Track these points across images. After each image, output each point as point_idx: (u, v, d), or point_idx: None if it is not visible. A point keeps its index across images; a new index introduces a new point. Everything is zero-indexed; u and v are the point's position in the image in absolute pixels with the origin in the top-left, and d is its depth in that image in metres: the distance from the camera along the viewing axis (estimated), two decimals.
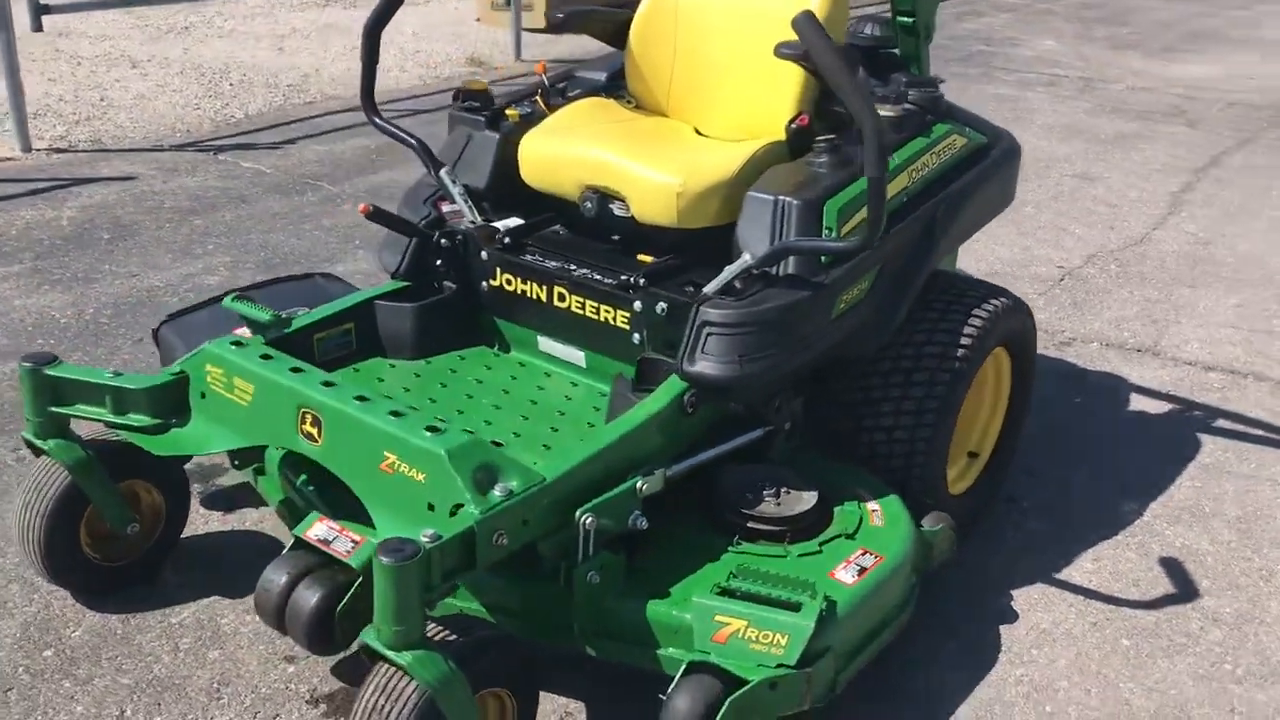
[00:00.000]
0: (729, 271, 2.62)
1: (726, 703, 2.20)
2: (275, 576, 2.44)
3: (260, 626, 2.75)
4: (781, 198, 2.65)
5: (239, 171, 5.99)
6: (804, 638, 2.26)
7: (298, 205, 5.54)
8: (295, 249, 5.02)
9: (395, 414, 2.34)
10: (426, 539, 2.07)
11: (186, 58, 8.39)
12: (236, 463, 2.91)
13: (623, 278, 2.79)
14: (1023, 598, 3.00)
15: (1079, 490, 3.49)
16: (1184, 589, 3.07)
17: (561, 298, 2.88)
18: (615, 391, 2.68)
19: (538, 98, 3.24)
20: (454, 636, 2.17)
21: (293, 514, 2.73)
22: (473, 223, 3.04)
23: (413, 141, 3.13)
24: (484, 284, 3.01)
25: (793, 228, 2.64)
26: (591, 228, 3.00)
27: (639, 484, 2.40)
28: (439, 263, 3.05)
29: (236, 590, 2.87)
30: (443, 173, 3.09)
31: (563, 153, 2.95)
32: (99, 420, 2.68)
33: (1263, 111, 8.31)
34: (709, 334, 2.56)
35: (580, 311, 2.85)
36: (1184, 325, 4.69)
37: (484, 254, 2.99)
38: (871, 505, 2.73)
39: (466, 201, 3.07)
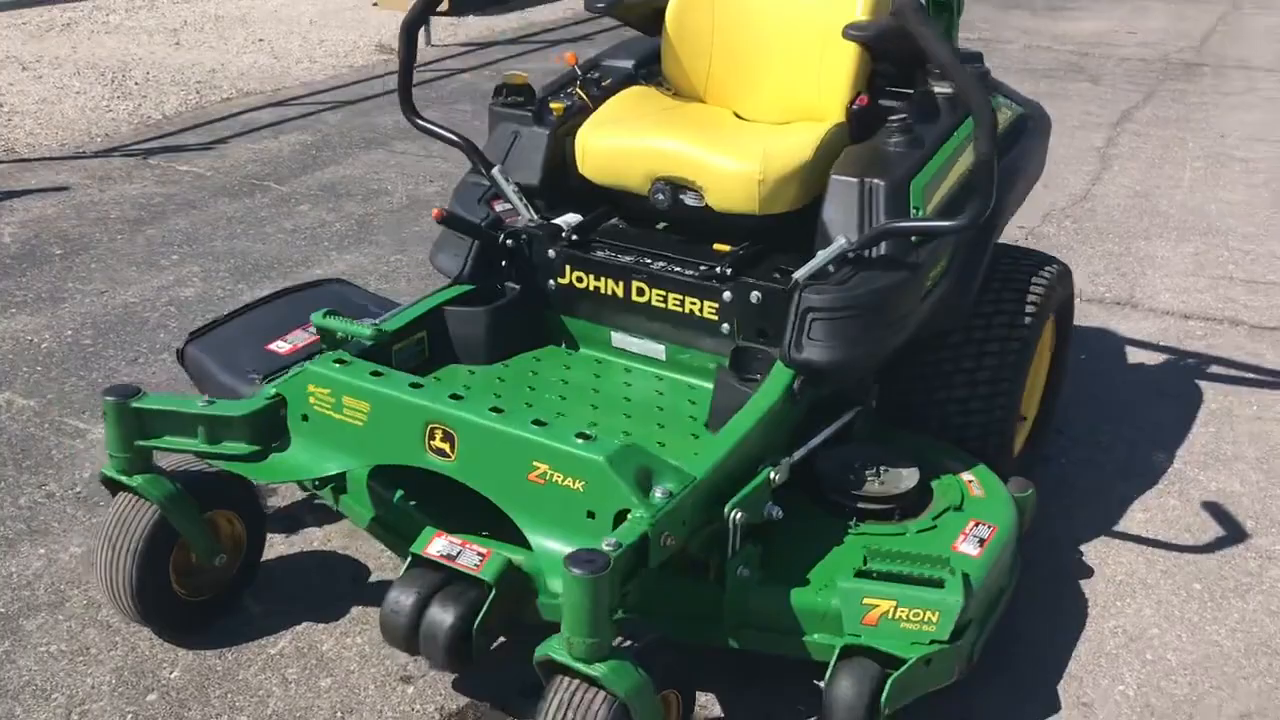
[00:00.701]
0: (823, 256, 2.64)
1: (890, 682, 2.24)
2: (403, 598, 2.39)
3: (366, 648, 2.68)
4: (868, 179, 2.68)
5: (176, 175, 5.74)
6: (954, 613, 2.32)
7: (251, 208, 5.34)
8: (264, 254, 4.85)
9: (539, 423, 2.30)
10: (609, 548, 2.05)
11: (78, 56, 7.98)
12: (315, 484, 2.82)
13: (710, 268, 2.79)
14: (1091, 552, 3.11)
15: (1108, 444, 3.62)
16: (1232, 530, 3.23)
17: (640, 292, 2.85)
18: (720, 384, 2.67)
19: (576, 89, 3.20)
20: (628, 642, 2.15)
21: (389, 531, 2.66)
22: (531, 221, 2.99)
23: (459, 141, 3.06)
24: (551, 283, 2.97)
25: (881, 209, 2.67)
26: (653, 219, 2.98)
27: (771, 475, 2.41)
28: (503, 264, 2.99)
29: (327, 613, 2.79)
30: (495, 172, 3.03)
31: (629, 145, 2.92)
32: (191, 451, 2.57)
33: (1153, 65, 8.68)
34: (814, 320, 2.58)
35: (662, 305, 2.84)
36: (1151, 276, 4.89)
37: (551, 252, 2.94)
38: (966, 476, 2.79)
39: (521, 199, 3.02)
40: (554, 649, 2.07)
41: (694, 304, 2.79)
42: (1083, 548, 3.12)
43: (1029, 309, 3.01)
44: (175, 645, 2.68)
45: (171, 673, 2.61)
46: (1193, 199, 5.83)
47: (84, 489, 3.23)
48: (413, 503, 2.65)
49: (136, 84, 7.34)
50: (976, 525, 2.61)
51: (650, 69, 3.33)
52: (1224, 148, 6.68)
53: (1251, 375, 4.07)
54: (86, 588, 2.84)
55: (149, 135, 6.37)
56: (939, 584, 2.37)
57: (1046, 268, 3.13)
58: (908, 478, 2.71)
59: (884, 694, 2.25)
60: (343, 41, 8.69)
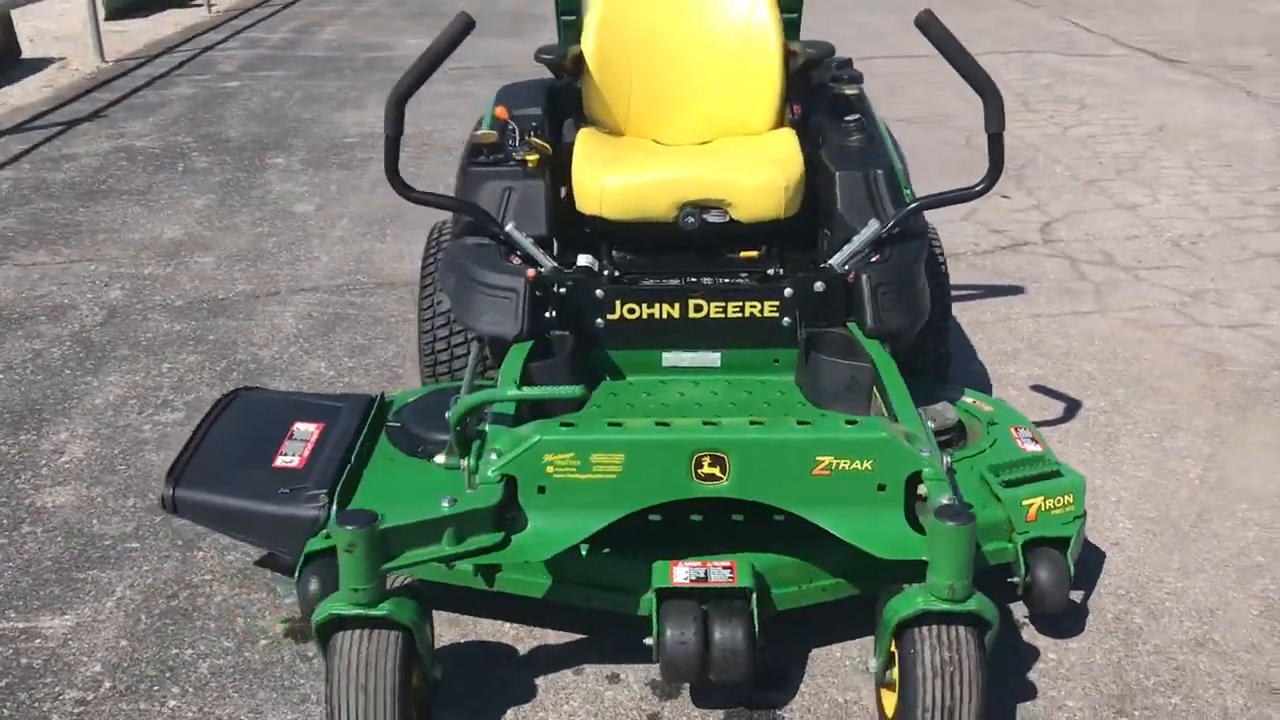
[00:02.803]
0: (862, 240, 3.08)
1: (1068, 557, 2.80)
2: (684, 633, 2.52)
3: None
4: (870, 170, 3.16)
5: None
6: (1083, 489, 2.92)
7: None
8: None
9: (803, 423, 2.53)
10: (947, 500, 2.38)
11: None
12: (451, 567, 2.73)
13: (764, 272, 3.10)
14: None
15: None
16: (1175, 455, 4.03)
17: (698, 308, 3.09)
18: (822, 365, 2.99)
19: (531, 139, 3.30)
20: None
21: (583, 586, 2.70)
22: (551, 269, 3.09)
23: (464, 205, 3.08)
24: (599, 321, 3.09)
25: (884, 194, 3.16)
26: (669, 240, 3.20)
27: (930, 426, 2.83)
28: (551, 314, 3.06)
29: (521, 698, 2.74)
30: (510, 228, 3.09)
31: (652, 179, 3.14)
32: (435, 559, 2.43)
33: None
34: (884, 292, 3.02)
35: (721, 315, 3.09)
36: None
37: (599, 292, 3.07)
38: (967, 398, 3.38)
39: (539, 250, 3.11)
40: (919, 600, 2.36)
41: (754, 306, 3.09)
42: None
43: (939, 254, 3.67)
44: None
45: None
46: None
47: None
48: (606, 550, 2.71)
49: None
50: (1017, 430, 3.21)
51: (561, 109, 3.52)
52: None
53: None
54: None
55: None
56: (1058, 474, 2.95)
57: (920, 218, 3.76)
58: (945, 410, 3.24)
59: (1070, 567, 2.80)
60: None
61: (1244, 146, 7.24)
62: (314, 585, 2.74)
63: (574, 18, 3.71)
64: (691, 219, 3.13)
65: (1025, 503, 2.86)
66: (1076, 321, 4.77)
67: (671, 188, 3.13)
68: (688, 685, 2.73)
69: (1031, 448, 3.12)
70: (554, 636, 2.93)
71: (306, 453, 3.09)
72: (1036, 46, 10.31)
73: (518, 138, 3.30)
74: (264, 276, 5.24)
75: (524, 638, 2.93)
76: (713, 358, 3.17)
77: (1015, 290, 5.09)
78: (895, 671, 2.50)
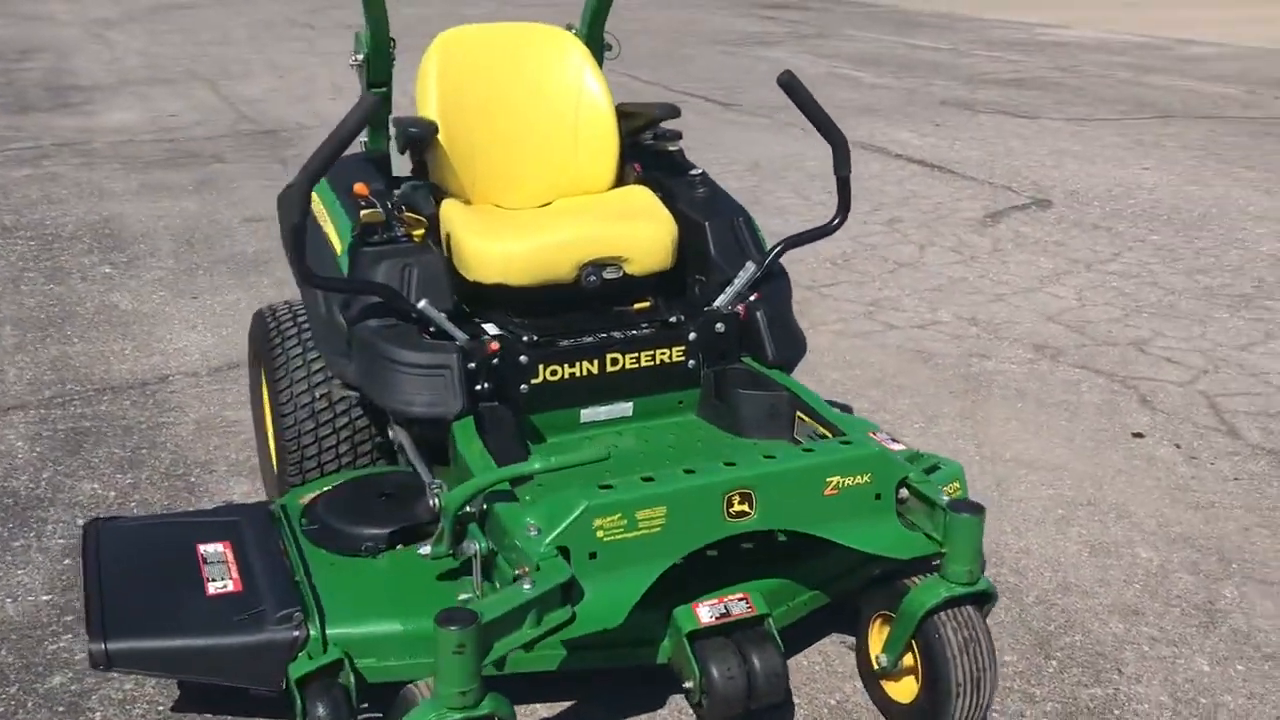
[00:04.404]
0: (742, 280, 3.31)
1: None
2: (728, 667, 2.68)
3: None
4: (734, 218, 3.43)
5: None
6: (963, 473, 3.36)
7: None
8: None
9: (808, 450, 2.73)
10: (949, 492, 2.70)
11: None
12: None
13: (667, 320, 3.26)
14: None
15: None
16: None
17: (614, 361, 3.18)
18: (743, 399, 3.19)
19: (406, 214, 3.23)
20: None
21: (600, 649, 2.73)
22: (461, 341, 3.06)
23: (378, 288, 2.99)
24: (524, 387, 3.10)
25: (748, 237, 3.44)
26: (568, 300, 3.27)
27: None
28: (483, 386, 3.02)
29: None
30: (423, 305, 3.03)
31: (550, 242, 3.18)
32: (519, 646, 2.35)
33: None
34: (776, 326, 3.30)
35: (635, 365, 3.21)
36: None
37: (523, 358, 3.08)
38: None
39: (451, 325, 3.07)
40: (941, 589, 2.66)
41: (664, 353, 3.24)
42: None
43: None
44: None
45: None
46: None
47: None
48: None
49: None
50: (875, 434, 3.59)
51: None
52: None
53: None
54: None
55: None
56: (938, 466, 3.35)
57: None
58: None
59: None
60: None
61: (828, 175, 8.28)
62: (322, 710, 2.56)
63: (385, 89, 3.64)
64: (594, 277, 3.22)
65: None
66: None
67: (573, 249, 3.20)
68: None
69: (898, 446, 3.51)
70: (545, 710, 2.92)
71: (234, 574, 2.84)
72: None
73: (392, 214, 3.22)
74: None
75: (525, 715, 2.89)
76: (626, 408, 3.27)
77: None
78: (908, 660, 2.79)
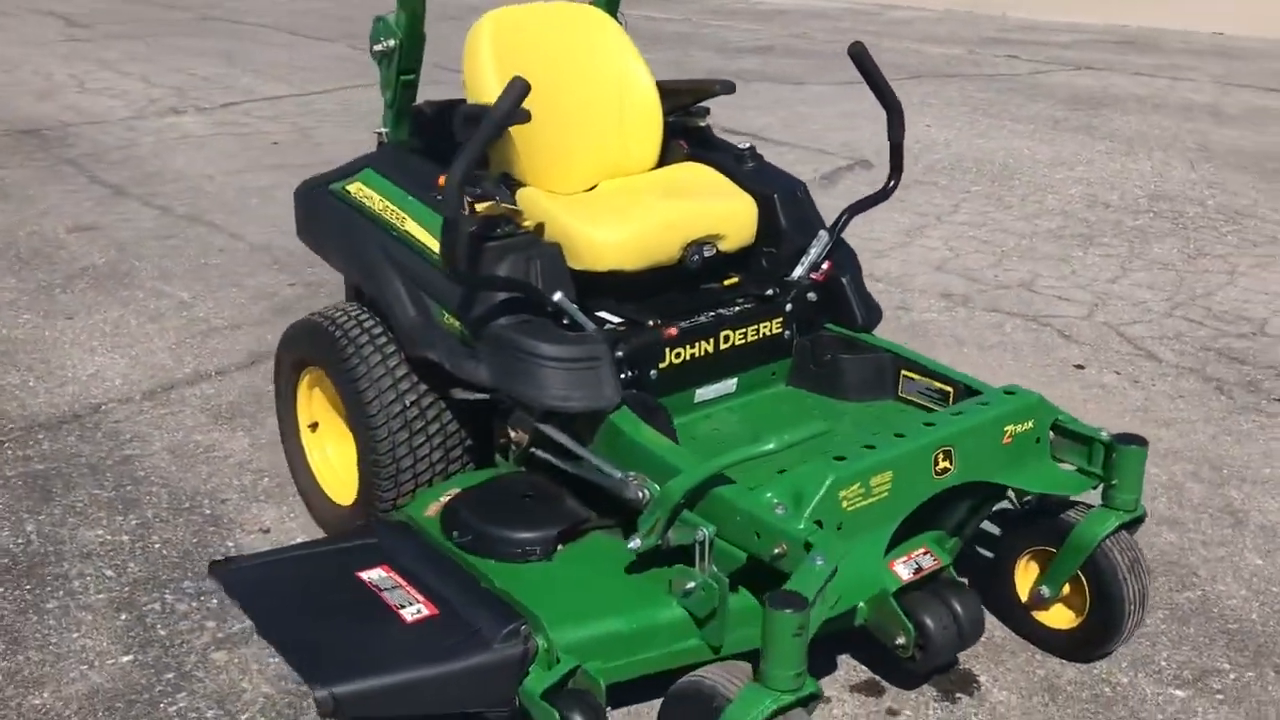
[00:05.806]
0: (819, 249, 3.40)
1: None
2: (940, 619, 2.79)
3: None
4: (796, 189, 3.49)
5: None
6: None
7: None
8: None
9: (982, 404, 2.85)
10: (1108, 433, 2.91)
11: None
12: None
13: (764, 293, 3.28)
14: None
15: None
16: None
17: (726, 339, 3.19)
18: (846, 363, 3.26)
19: (499, 205, 3.09)
20: None
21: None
22: (620, 328, 3.04)
23: (518, 283, 2.88)
24: (653, 372, 3.05)
25: (809, 206, 3.51)
26: (669, 281, 3.23)
27: None
28: (626, 374, 2.96)
29: None
30: (558, 297, 2.93)
31: (656, 224, 3.14)
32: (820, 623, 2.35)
33: None
34: (858, 290, 3.40)
35: (743, 341, 3.23)
36: None
37: (659, 344, 3.04)
38: None
39: (580, 315, 2.99)
40: (1110, 519, 2.87)
41: (765, 326, 3.26)
42: None
43: None
44: None
45: None
46: None
47: None
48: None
49: None
50: None
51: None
52: None
53: None
54: None
55: None
56: None
57: None
58: None
59: None
60: None
61: None
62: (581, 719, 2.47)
63: (413, 76, 3.43)
64: (697, 256, 3.20)
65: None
66: None
67: (677, 230, 3.16)
68: None
69: None
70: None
71: (418, 596, 2.68)
72: None
73: (499, 205, 3.07)
74: None
75: None
76: (731, 384, 3.28)
77: None
78: (1068, 588, 2.98)
